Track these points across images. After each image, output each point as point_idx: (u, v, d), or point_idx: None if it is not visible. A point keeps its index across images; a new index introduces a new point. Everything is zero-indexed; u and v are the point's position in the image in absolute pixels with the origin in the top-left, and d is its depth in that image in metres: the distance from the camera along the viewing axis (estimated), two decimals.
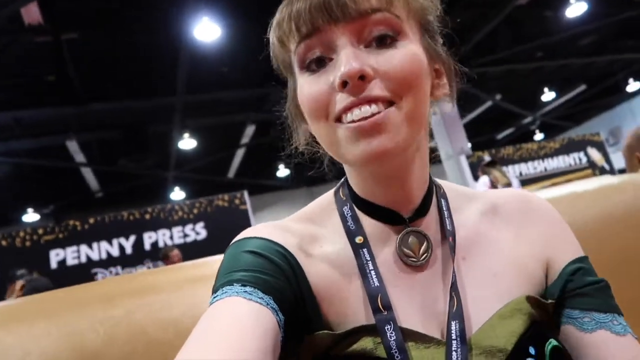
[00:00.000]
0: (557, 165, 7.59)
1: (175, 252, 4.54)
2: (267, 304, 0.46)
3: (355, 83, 0.48)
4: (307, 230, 0.57)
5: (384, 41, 0.50)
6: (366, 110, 0.48)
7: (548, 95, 10.10)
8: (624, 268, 0.85)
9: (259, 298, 0.46)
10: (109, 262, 5.61)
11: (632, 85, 10.61)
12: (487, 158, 5.46)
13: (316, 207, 0.61)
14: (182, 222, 6.02)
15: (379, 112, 0.48)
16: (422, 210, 0.57)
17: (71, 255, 5.56)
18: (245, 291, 0.46)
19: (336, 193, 0.61)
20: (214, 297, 0.47)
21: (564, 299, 0.56)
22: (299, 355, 0.52)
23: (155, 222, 5.94)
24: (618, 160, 8.54)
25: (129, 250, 5.73)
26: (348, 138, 0.49)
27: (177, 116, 6.95)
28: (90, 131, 7.02)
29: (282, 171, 11.28)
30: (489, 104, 9.16)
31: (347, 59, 0.48)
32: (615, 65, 9.40)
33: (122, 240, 5.75)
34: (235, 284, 0.47)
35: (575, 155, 7.73)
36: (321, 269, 0.54)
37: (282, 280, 0.50)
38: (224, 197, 6.30)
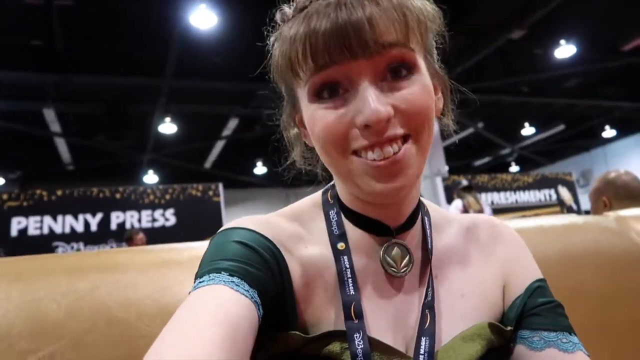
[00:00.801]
0: (528, 199, 7.77)
1: (140, 236, 4.47)
2: (252, 298, 0.46)
3: (381, 128, 0.48)
4: (294, 228, 0.57)
5: (399, 74, 0.50)
6: (387, 151, 0.49)
7: (528, 130, 10.36)
8: (580, 302, 0.89)
9: (245, 290, 0.46)
10: (71, 237, 5.48)
11: (608, 132, 10.98)
12: (464, 182, 5.56)
13: (304, 207, 0.61)
14: (152, 206, 5.93)
15: (398, 150, 0.49)
16: (408, 224, 0.58)
17: (33, 225, 5.40)
18: (233, 281, 0.46)
19: (324, 194, 0.62)
20: (199, 282, 0.47)
21: (518, 321, 0.58)
22: (263, 346, 0.52)
23: (125, 203, 5.83)
24: (586, 201, 8.79)
25: (94, 227, 5.61)
26: (367, 173, 0.50)
27: (162, 99, 6.85)
28: (69, 102, 6.86)
29: (260, 168, 11.22)
30: (470, 130, 9.33)
31: (372, 101, 0.47)
32: (594, 110, 9.70)
33: (89, 216, 5.62)
34: (222, 272, 0.47)
35: (546, 191, 7.93)
36: (304, 269, 0.54)
37: (267, 275, 0.50)
38: (198, 187, 6.23)
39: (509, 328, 0.57)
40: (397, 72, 0.50)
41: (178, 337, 0.39)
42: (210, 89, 6.97)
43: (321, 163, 0.61)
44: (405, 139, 0.50)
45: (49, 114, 6.91)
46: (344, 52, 0.48)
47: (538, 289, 0.60)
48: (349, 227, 0.58)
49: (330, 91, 0.50)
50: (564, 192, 7.70)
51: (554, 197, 7.91)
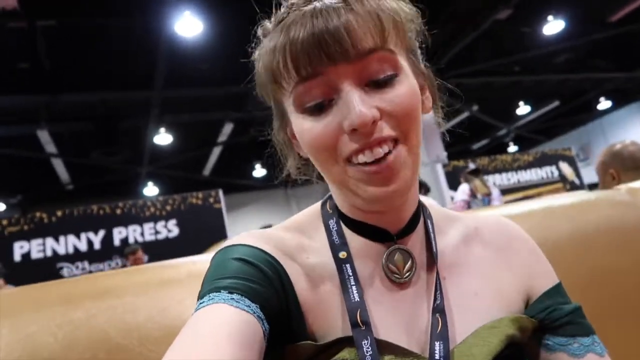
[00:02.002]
0: (530, 177, 7.74)
1: (139, 255, 4.44)
2: (254, 312, 0.45)
3: (368, 131, 0.48)
4: (295, 239, 0.57)
5: (383, 77, 0.50)
6: (378, 152, 0.49)
7: (523, 109, 10.33)
8: (596, 284, 0.86)
9: (246, 306, 0.45)
10: (75, 257, 5.45)
11: (603, 104, 10.94)
12: (471, 166, 5.50)
13: (304, 217, 0.62)
14: (154, 219, 5.90)
15: (389, 152, 0.49)
16: (409, 228, 0.58)
17: (36, 248, 5.37)
18: (232, 298, 0.46)
19: (323, 205, 0.62)
20: (200, 304, 0.46)
21: (546, 326, 0.57)
22: None
23: (126, 218, 5.80)
24: (588, 175, 8.78)
25: (97, 245, 5.58)
26: (362, 180, 0.50)
27: (154, 111, 6.82)
28: (62, 122, 6.83)
29: (259, 171, 11.20)
30: (465, 114, 9.30)
31: (356, 105, 0.47)
32: (587, 84, 9.66)
33: (91, 234, 5.59)
34: (222, 291, 0.46)
35: (547, 168, 7.90)
36: (307, 280, 0.54)
37: (269, 289, 0.50)
38: (198, 195, 6.20)
39: (532, 319, 0.57)
40: (380, 76, 0.50)
41: (180, 359, 0.39)
42: (201, 96, 6.94)
43: (317, 172, 0.60)
44: (395, 142, 0.50)
45: (43, 135, 6.88)
46: (323, 59, 0.48)
47: (558, 292, 0.60)
48: (349, 235, 0.57)
49: (318, 107, 0.51)
50: (565, 168, 7.68)
51: (556, 173, 7.89)
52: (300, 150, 0.58)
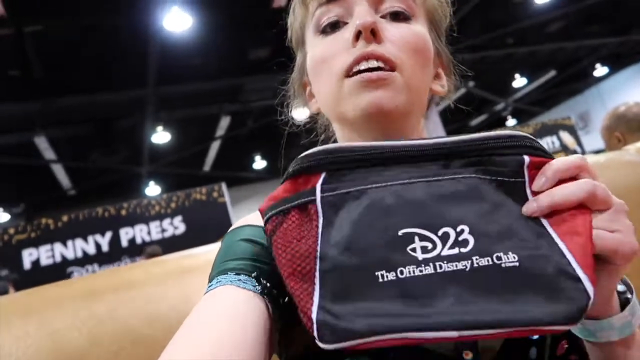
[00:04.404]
0: None
1: (155, 251, 4.46)
2: (262, 292, 0.45)
3: (368, 36, 0.50)
4: None
5: (398, 17, 0.53)
6: (373, 63, 0.51)
7: (519, 82, 10.27)
8: None
9: (253, 286, 0.45)
10: (85, 261, 5.47)
11: (599, 70, 10.86)
12: None
13: None
14: (160, 217, 5.91)
15: (384, 70, 0.51)
16: None
17: (45, 254, 5.39)
18: (240, 279, 0.46)
19: None
20: (209, 287, 0.47)
21: None
22: (289, 344, 0.51)
23: (132, 218, 5.81)
24: (588, 143, 8.75)
25: (105, 247, 5.59)
26: (354, 89, 0.52)
27: (150, 109, 6.80)
28: (58, 127, 6.82)
29: (259, 163, 11.18)
30: (462, 91, 9.25)
31: (363, 14, 0.51)
32: (582, 51, 9.59)
33: (98, 237, 5.61)
34: (229, 273, 0.47)
35: (548, 139, 7.87)
36: None
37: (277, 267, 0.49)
38: (202, 191, 6.19)
39: None
40: (396, 16, 0.54)
41: (188, 339, 0.40)
42: (196, 91, 6.91)
43: (320, 125, 0.63)
44: (393, 71, 0.52)
45: (41, 142, 6.87)
46: None
47: None
48: None
49: (332, 25, 0.55)
50: (566, 137, 7.66)
51: (557, 143, 7.86)
52: (313, 105, 0.61)
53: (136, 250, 5.52)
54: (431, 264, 0.36)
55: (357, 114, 0.52)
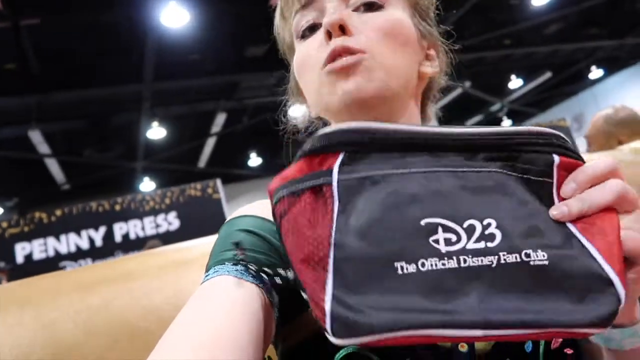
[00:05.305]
0: None
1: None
2: (259, 283, 0.45)
3: (337, 32, 0.51)
4: None
5: (371, 7, 0.54)
6: (345, 59, 0.51)
7: (515, 83, 10.29)
8: None
9: (251, 276, 0.45)
10: (78, 255, 5.45)
11: (595, 73, 10.91)
12: None
13: None
14: (154, 212, 5.89)
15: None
16: None
17: (38, 248, 5.37)
18: (237, 270, 0.46)
19: None
20: (205, 277, 0.47)
21: None
22: (286, 335, 0.51)
23: (126, 213, 5.79)
24: (583, 144, 8.77)
25: (98, 242, 5.58)
26: (329, 82, 0.53)
27: (146, 105, 6.77)
28: (53, 121, 6.78)
29: (254, 160, 11.17)
30: (458, 91, 9.28)
31: (332, 11, 0.53)
32: (578, 53, 9.63)
33: (92, 232, 5.59)
34: (226, 263, 0.47)
35: None
36: None
37: (277, 260, 0.49)
38: (196, 186, 6.18)
39: None
40: (369, 7, 0.54)
41: (184, 330, 0.40)
42: (192, 87, 6.89)
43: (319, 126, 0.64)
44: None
45: (35, 136, 6.83)
46: None
47: None
48: None
49: (310, 28, 0.57)
50: None
51: None
52: (308, 105, 0.63)
53: (130, 245, 5.51)
54: (455, 258, 0.34)
55: (338, 105, 0.52)
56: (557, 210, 0.39)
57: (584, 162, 0.41)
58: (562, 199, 0.40)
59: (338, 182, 0.36)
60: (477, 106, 11.35)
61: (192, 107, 7.62)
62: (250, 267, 0.47)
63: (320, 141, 0.37)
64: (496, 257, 0.35)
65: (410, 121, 0.56)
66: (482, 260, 0.34)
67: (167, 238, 5.42)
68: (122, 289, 0.62)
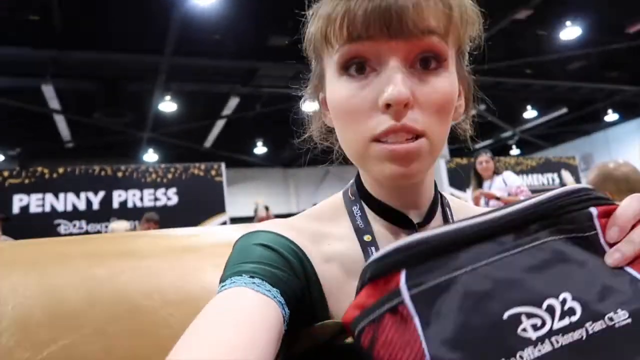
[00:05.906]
0: (532, 182, 7.73)
1: (153, 224, 4.46)
2: (274, 297, 0.46)
3: (400, 110, 0.48)
4: (316, 228, 0.58)
5: (428, 65, 0.50)
6: (402, 135, 0.49)
7: (530, 113, 10.30)
8: None
9: (267, 290, 0.46)
10: (73, 215, 5.46)
11: (611, 116, 10.91)
12: None
13: (325, 207, 0.62)
14: (155, 185, 5.90)
15: (412, 140, 0.49)
16: (429, 216, 0.58)
17: (35, 202, 5.38)
18: (254, 282, 0.46)
19: (345, 194, 0.62)
20: (222, 287, 0.47)
21: None
22: (290, 345, 0.51)
23: (127, 181, 5.80)
24: None
25: (96, 205, 5.59)
26: (380, 158, 0.50)
27: (161, 77, 6.76)
28: (68, 78, 6.78)
29: (260, 148, 11.18)
30: (472, 112, 9.27)
31: (397, 82, 0.47)
32: (597, 94, 9.63)
33: (90, 194, 5.60)
34: (243, 275, 0.47)
35: (549, 175, 7.90)
36: (330, 265, 0.55)
37: (290, 275, 0.50)
38: (200, 167, 6.20)
39: None
40: (427, 63, 0.50)
41: (200, 339, 0.40)
42: (210, 67, 6.89)
43: (338, 145, 0.61)
44: (420, 136, 0.50)
45: (48, 91, 6.83)
46: (383, 30, 0.47)
47: None
48: (373, 220, 0.58)
49: (358, 67, 0.50)
50: (567, 176, 7.67)
51: (557, 181, 7.89)
52: (327, 119, 0.59)
53: (126, 213, 5.52)
54: (547, 341, 0.34)
55: (382, 179, 0.52)
56: (612, 258, 0.39)
57: (615, 205, 0.42)
58: (610, 245, 0.41)
59: (410, 298, 0.37)
60: (488, 130, 11.34)
61: (206, 86, 7.62)
62: (267, 281, 0.47)
63: (379, 265, 0.39)
64: (583, 329, 0.35)
65: (432, 168, 0.57)
66: (572, 337, 0.35)
67: (164, 212, 5.43)
68: (129, 265, 0.62)
